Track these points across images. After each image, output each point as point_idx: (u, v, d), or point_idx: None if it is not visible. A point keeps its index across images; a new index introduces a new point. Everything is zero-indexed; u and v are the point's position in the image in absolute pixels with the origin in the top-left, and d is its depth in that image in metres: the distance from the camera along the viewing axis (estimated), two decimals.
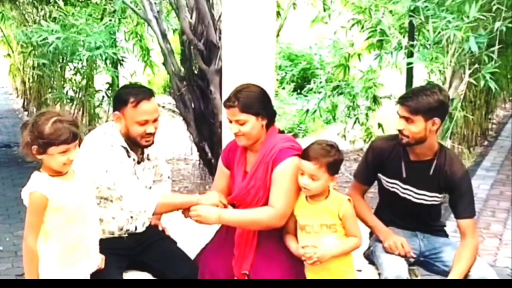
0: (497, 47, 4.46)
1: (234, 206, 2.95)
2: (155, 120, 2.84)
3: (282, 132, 2.98)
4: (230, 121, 2.85)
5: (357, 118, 6.45)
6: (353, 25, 5.96)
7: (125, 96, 2.81)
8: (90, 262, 2.59)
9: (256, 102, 2.81)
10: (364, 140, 6.86)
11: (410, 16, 4.96)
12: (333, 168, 2.69)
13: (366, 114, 6.43)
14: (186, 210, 2.81)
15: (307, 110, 6.73)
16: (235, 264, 2.85)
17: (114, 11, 6.37)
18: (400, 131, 2.89)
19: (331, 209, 2.72)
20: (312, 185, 2.68)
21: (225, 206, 2.84)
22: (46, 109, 2.54)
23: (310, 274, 2.76)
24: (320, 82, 6.94)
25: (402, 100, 2.89)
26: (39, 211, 2.40)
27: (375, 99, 6.35)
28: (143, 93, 2.82)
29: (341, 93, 6.52)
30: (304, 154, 2.71)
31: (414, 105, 2.83)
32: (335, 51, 6.28)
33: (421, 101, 2.82)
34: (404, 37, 5.31)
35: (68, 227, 2.47)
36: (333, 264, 2.72)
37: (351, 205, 2.75)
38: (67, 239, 2.47)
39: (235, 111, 2.79)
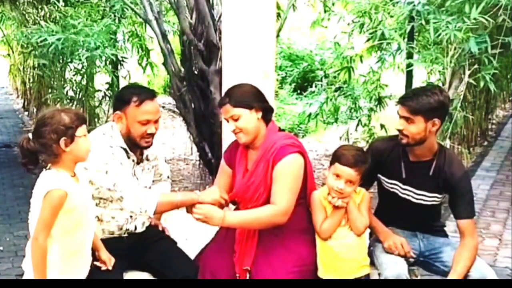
0: (497, 50, 4.46)
1: (235, 203, 2.96)
2: (156, 121, 2.85)
3: (282, 130, 2.99)
4: (227, 120, 2.87)
5: (359, 120, 6.45)
6: (352, 29, 5.96)
7: (128, 96, 2.82)
8: (86, 267, 2.59)
9: (247, 96, 2.85)
10: (367, 141, 6.86)
11: (411, 19, 4.96)
12: (361, 178, 2.79)
13: (368, 116, 6.43)
14: (189, 207, 2.81)
15: (310, 114, 6.74)
16: (236, 260, 2.86)
17: (114, 12, 6.36)
18: (400, 131, 2.89)
19: (354, 202, 2.81)
20: (348, 190, 2.75)
21: (226, 201, 2.85)
22: (42, 113, 2.53)
23: (328, 267, 2.79)
24: (322, 85, 6.94)
25: (402, 100, 2.90)
26: (57, 209, 2.38)
27: (380, 101, 6.35)
28: (146, 93, 2.84)
29: (342, 95, 6.53)
30: (343, 160, 2.75)
31: (414, 105, 2.83)
32: (337, 55, 6.28)
33: (422, 102, 2.83)
34: (404, 38, 5.30)
35: (74, 231, 2.47)
36: (351, 257, 2.79)
37: (368, 196, 2.86)
38: (70, 244, 2.47)
39: (228, 107, 2.84)
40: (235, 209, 3.00)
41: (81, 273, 2.56)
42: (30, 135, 2.43)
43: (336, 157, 2.78)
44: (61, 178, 2.42)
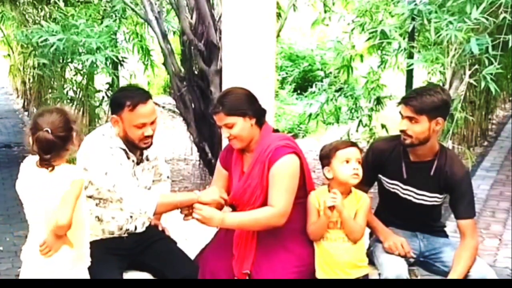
0: (499, 52, 4.46)
1: (232, 206, 2.96)
2: (153, 122, 2.84)
3: (277, 131, 2.99)
4: (221, 127, 2.87)
5: (360, 120, 6.45)
6: (353, 29, 5.96)
7: (121, 100, 2.80)
8: (88, 259, 2.61)
9: (240, 103, 2.83)
10: (368, 141, 6.85)
11: (412, 19, 4.96)
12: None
13: (369, 116, 6.43)
14: (185, 210, 2.81)
15: (310, 114, 6.74)
16: (235, 264, 2.86)
17: (115, 12, 6.36)
18: (403, 131, 2.89)
19: (353, 205, 2.81)
20: (360, 170, 2.78)
21: (225, 201, 2.86)
22: (45, 108, 2.60)
23: (325, 269, 2.79)
24: (322, 86, 6.94)
25: (406, 100, 2.89)
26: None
27: (379, 101, 6.35)
28: (139, 96, 2.81)
29: (343, 95, 6.52)
30: (341, 145, 2.82)
31: (418, 104, 2.83)
32: (337, 54, 6.27)
33: (426, 101, 2.83)
34: (404, 38, 5.30)
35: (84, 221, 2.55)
36: (347, 259, 2.78)
37: (368, 201, 2.84)
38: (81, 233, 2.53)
39: (221, 116, 2.83)
40: (232, 212, 3.00)
41: (87, 260, 2.59)
42: (48, 129, 2.43)
43: (332, 150, 2.81)
44: (78, 168, 2.52)
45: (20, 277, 2.54)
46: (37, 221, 2.49)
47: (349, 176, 2.77)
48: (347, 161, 2.77)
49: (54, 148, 2.43)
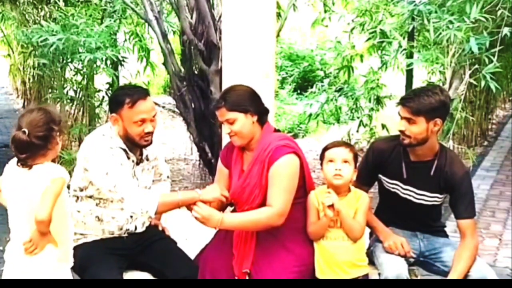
0: (497, 48, 4.46)
1: (231, 204, 2.96)
2: (153, 119, 2.85)
3: (278, 131, 3.00)
4: (222, 123, 2.87)
5: (361, 120, 6.45)
6: (353, 28, 5.97)
7: (121, 98, 2.81)
8: (71, 259, 2.61)
9: (243, 100, 2.84)
10: (368, 141, 6.86)
11: (412, 19, 4.96)
12: (356, 160, 2.83)
13: (369, 116, 6.43)
14: (191, 205, 2.80)
15: (310, 114, 6.74)
16: (235, 263, 2.86)
17: (115, 12, 6.36)
18: (401, 132, 2.89)
19: (352, 204, 2.81)
20: (346, 170, 2.77)
21: (227, 199, 2.86)
22: (29, 107, 2.59)
23: (324, 268, 2.79)
24: (322, 86, 6.96)
25: (403, 101, 2.89)
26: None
27: (378, 100, 6.35)
28: (138, 93, 2.82)
29: (343, 95, 6.53)
30: (330, 145, 2.85)
31: (416, 106, 2.83)
32: (338, 54, 6.28)
33: (423, 102, 2.82)
34: (404, 38, 5.31)
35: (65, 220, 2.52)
36: (347, 259, 2.78)
37: (368, 200, 2.84)
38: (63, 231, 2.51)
39: (223, 111, 2.83)
40: (232, 211, 3.00)
41: (71, 260, 2.58)
42: (25, 130, 2.42)
43: (323, 151, 2.86)
44: (58, 167, 2.46)
45: (3, 276, 2.52)
46: (20, 221, 2.47)
47: (331, 177, 2.78)
48: (332, 161, 2.80)
49: (30, 148, 2.42)
